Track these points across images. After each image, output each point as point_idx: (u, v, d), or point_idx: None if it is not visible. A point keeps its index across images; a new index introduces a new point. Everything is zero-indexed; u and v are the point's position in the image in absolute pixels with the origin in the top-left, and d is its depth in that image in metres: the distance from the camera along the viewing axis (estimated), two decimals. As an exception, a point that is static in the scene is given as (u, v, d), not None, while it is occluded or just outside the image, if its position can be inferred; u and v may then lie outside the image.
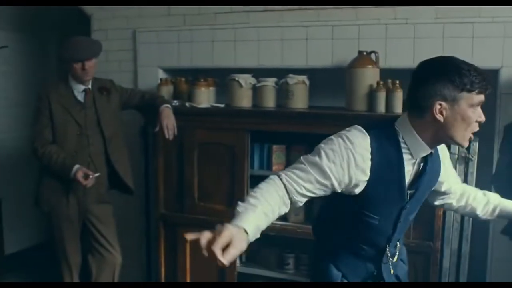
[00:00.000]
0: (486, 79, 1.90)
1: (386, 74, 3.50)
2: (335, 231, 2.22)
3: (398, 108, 3.39)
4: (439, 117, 1.89)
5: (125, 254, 3.89)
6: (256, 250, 3.89)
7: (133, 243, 4.39)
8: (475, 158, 3.29)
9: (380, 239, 2.16)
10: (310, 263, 2.26)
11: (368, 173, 1.94)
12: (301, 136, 3.61)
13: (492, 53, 3.45)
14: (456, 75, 1.86)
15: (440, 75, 1.88)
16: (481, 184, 3.29)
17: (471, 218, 3.34)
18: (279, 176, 1.91)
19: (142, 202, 4.32)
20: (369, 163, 1.94)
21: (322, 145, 1.96)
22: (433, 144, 2.01)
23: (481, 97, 1.91)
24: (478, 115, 1.93)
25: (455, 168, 3.24)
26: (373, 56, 3.57)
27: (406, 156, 2.01)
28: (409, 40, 3.61)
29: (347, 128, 2.00)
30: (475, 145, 3.29)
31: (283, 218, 3.69)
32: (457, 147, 3.21)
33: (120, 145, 3.76)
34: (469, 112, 1.89)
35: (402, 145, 1.99)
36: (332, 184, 1.93)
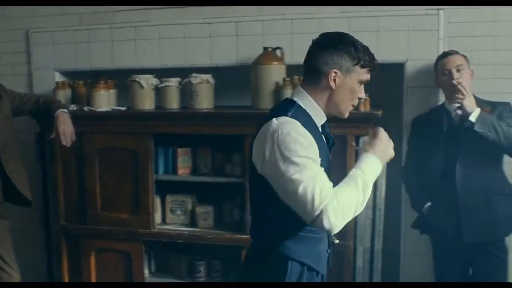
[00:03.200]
0: (376, 61, 2.07)
1: (293, 70, 3.39)
2: (285, 225, 2.05)
3: (305, 105, 3.28)
4: (332, 84, 2.00)
5: (24, 271, 3.58)
6: (165, 259, 3.69)
7: (33, 259, 4.08)
8: None
9: None
10: (247, 268, 2.09)
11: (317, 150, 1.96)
12: (207, 138, 3.47)
13: (398, 47, 3.42)
14: (353, 48, 2.00)
15: (339, 46, 2.00)
16: (391, 178, 3.29)
17: (382, 214, 3.29)
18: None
19: (41, 214, 4.01)
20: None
21: (283, 153, 1.87)
22: (325, 112, 2.08)
23: (368, 76, 2.06)
24: (361, 91, 2.08)
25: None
26: (278, 52, 3.46)
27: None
28: (315, 35, 3.47)
29: (270, 126, 1.93)
30: None
31: (192, 224, 3.58)
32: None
33: (14, 154, 3.45)
34: (357, 86, 2.04)
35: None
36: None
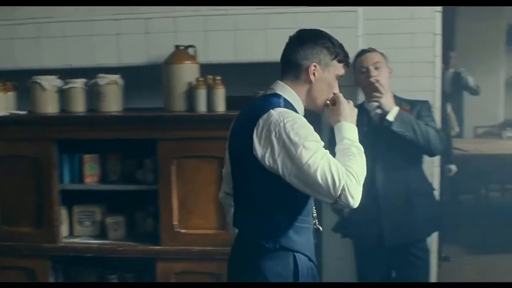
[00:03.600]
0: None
1: (206, 69, 3.22)
2: (285, 216, 2.03)
3: (221, 106, 3.13)
4: (312, 77, 2.05)
5: None
6: (74, 275, 3.44)
7: None
8: None
9: (311, 203, 2.14)
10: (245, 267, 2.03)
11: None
12: (116, 143, 3.22)
13: None
14: (331, 43, 2.08)
15: (318, 41, 2.07)
16: None
17: None
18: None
19: None
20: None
21: (293, 140, 1.88)
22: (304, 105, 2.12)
23: (344, 71, 2.14)
24: (336, 86, 2.14)
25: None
26: (191, 50, 3.27)
27: None
28: (230, 32, 3.36)
29: (272, 117, 1.93)
30: None
31: (102, 235, 3.34)
32: None
33: None
34: (334, 81, 2.11)
35: None
36: None
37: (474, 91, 5.98)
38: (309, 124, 1.95)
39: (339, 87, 2.16)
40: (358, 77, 3.10)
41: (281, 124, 1.90)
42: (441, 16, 3.29)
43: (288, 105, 2.02)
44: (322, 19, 3.25)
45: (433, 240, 3.34)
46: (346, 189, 1.84)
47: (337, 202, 1.87)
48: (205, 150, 3.07)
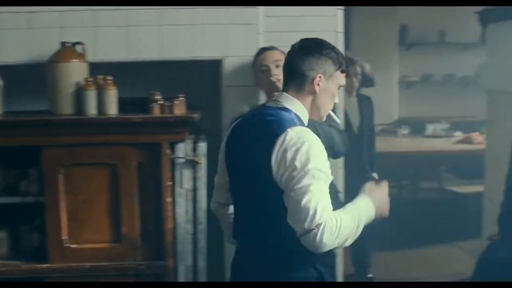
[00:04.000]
0: None
1: (96, 68, 2.96)
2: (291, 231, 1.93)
3: (112, 109, 2.88)
4: (317, 88, 2.08)
5: None
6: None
7: None
8: (203, 161, 2.93)
9: None
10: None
11: None
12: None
13: (214, 42, 3.15)
14: (335, 53, 2.11)
15: (323, 51, 2.10)
16: (211, 187, 2.97)
17: (205, 228, 2.99)
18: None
19: None
20: None
21: (306, 165, 1.90)
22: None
23: (345, 81, 2.19)
24: (337, 96, 2.18)
25: (181, 174, 2.86)
26: (79, 47, 2.99)
27: None
28: (121, 28, 3.12)
29: (290, 137, 1.95)
30: (203, 145, 2.94)
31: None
32: (185, 149, 2.89)
33: None
34: (336, 91, 2.15)
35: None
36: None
37: (371, 80, 6.07)
38: (324, 151, 1.98)
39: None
40: (258, 77, 2.98)
41: (298, 146, 1.92)
42: (343, 14, 3.24)
43: (299, 121, 2.06)
44: (222, 15, 3.13)
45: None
46: (322, 228, 1.82)
47: (305, 236, 1.85)
48: (97, 157, 2.83)
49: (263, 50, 2.98)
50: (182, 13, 3.11)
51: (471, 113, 7.23)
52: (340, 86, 2.17)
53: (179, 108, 2.84)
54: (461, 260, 4.62)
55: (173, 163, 2.87)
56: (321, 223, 1.82)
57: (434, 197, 6.97)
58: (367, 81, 6.25)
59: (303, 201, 1.85)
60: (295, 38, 3.09)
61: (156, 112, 2.83)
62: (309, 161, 1.89)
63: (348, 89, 3.80)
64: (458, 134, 6.66)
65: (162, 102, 2.82)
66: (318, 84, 2.08)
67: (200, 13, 3.12)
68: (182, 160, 2.88)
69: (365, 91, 4.83)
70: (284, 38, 3.04)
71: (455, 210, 6.09)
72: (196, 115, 2.86)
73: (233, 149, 2.17)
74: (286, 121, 2.01)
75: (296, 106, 2.10)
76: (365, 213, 2.00)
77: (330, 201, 1.91)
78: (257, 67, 2.96)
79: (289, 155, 1.91)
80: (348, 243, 1.94)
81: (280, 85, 2.79)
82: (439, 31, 7.56)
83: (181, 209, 2.91)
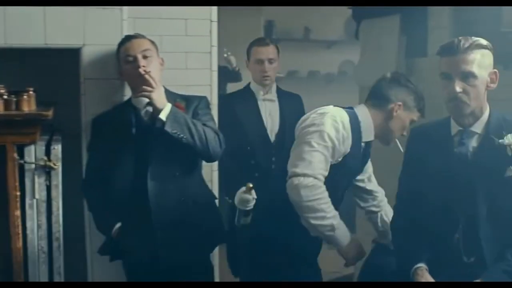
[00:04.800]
0: None
1: None
2: None
3: None
4: (394, 114, 2.50)
5: None
6: None
7: None
8: (59, 166, 2.53)
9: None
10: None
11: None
12: None
13: (71, 28, 2.76)
14: (418, 93, 2.56)
15: (410, 85, 2.56)
16: (70, 196, 2.66)
17: (61, 245, 2.60)
18: None
19: None
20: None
21: (319, 123, 2.45)
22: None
23: (416, 119, 2.58)
24: (407, 129, 2.57)
25: (32, 183, 2.46)
26: None
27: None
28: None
29: (326, 108, 2.53)
30: (57, 148, 2.53)
31: None
32: (35, 153, 2.48)
33: None
34: (407, 123, 2.55)
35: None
36: None
37: (237, 75, 5.96)
38: (347, 132, 2.43)
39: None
40: (123, 68, 2.65)
41: (325, 111, 2.46)
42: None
43: (355, 120, 2.48)
44: None
45: (215, 255, 3.04)
46: (304, 180, 2.33)
47: (291, 178, 2.37)
48: None
49: (128, 38, 2.66)
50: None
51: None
52: (412, 122, 2.55)
53: (28, 104, 2.42)
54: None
55: (21, 170, 2.45)
56: (308, 174, 2.33)
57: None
58: (235, 77, 6.13)
59: (305, 150, 2.36)
60: (164, 26, 2.86)
61: (0, 108, 2.39)
62: (324, 125, 2.38)
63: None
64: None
65: (6, 96, 2.39)
66: (396, 111, 2.49)
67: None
68: (33, 166, 2.46)
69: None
70: (152, 26, 2.84)
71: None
72: (49, 112, 2.47)
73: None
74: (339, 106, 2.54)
75: (364, 115, 2.53)
76: (342, 230, 2.42)
77: (325, 169, 2.37)
78: (122, 57, 2.64)
79: (313, 114, 2.47)
80: (311, 221, 2.36)
81: (148, 78, 2.51)
82: (304, 28, 7.58)
83: (33, 224, 2.49)
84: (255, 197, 2.79)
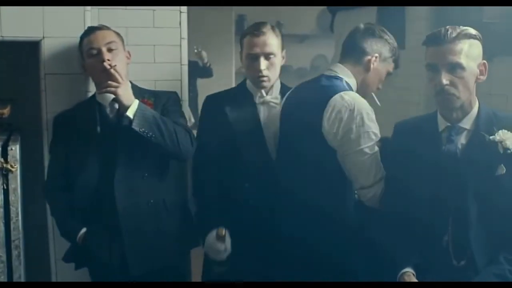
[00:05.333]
0: None
1: None
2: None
3: None
4: (372, 65, 2.40)
5: None
6: None
7: None
8: (17, 168, 2.40)
9: None
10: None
11: None
12: None
13: (30, 19, 2.62)
14: (393, 42, 2.47)
15: (385, 35, 2.45)
16: (30, 200, 2.58)
17: (22, 252, 2.49)
18: None
19: None
20: None
21: (360, 128, 2.24)
22: None
23: (392, 70, 2.51)
24: (383, 80, 2.51)
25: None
26: None
27: None
28: None
29: (344, 102, 2.25)
30: (15, 149, 2.39)
31: None
32: None
33: None
34: (384, 75, 2.47)
35: None
36: None
37: (208, 70, 5.88)
38: (373, 115, 2.27)
39: None
40: (87, 62, 2.51)
41: (351, 108, 2.21)
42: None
43: (349, 89, 2.34)
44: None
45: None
46: (377, 186, 2.26)
47: (364, 190, 2.28)
48: None
49: (92, 30, 2.52)
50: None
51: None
52: (388, 73, 2.47)
53: (-17, 102, 2.27)
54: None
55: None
56: (377, 181, 2.25)
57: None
58: (206, 73, 6.04)
59: (366, 163, 2.23)
60: (130, 16, 2.73)
61: (-51, 106, 2.24)
62: (363, 123, 2.21)
63: None
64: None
65: (-43, 93, 2.23)
66: (373, 64, 2.38)
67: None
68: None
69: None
70: (118, 16, 2.72)
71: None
72: (5, 110, 2.35)
73: (288, 115, 2.48)
74: (339, 87, 2.30)
75: (349, 76, 2.38)
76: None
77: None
78: (85, 50, 2.50)
79: (344, 116, 2.21)
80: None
81: (114, 72, 2.39)
82: (276, 23, 7.52)
83: (-12, 232, 2.34)
84: (229, 249, 2.51)
